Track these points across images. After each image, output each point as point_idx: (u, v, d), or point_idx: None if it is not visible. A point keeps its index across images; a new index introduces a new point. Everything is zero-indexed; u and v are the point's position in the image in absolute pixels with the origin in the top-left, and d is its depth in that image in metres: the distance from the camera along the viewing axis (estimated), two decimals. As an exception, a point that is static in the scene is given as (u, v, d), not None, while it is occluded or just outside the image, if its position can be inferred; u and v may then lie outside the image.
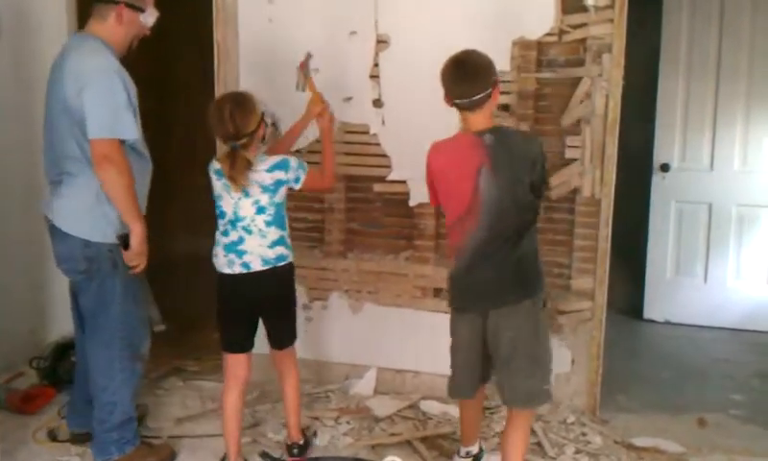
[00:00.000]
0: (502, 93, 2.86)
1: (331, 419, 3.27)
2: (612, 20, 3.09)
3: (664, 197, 4.51)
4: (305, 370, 3.45)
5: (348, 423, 3.25)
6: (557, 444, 3.07)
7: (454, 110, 2.47)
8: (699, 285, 4.53)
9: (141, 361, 2.86)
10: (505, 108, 3.23)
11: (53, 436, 3.08)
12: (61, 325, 3.57)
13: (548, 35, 3.18)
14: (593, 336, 3.30)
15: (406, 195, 3.43)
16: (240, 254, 2.68)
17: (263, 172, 2.64)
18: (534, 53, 3.20)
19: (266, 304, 2.78)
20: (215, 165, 2.70)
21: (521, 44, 3.20)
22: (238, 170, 2.59)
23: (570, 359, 3.33)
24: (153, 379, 3.57)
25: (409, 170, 3.35)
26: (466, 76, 2.40)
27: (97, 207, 2.64)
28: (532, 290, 2.46)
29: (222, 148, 2.82)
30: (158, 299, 3.03)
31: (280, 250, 2.71)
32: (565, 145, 3.23)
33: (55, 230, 2.71)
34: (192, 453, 3.00)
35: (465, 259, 2.46)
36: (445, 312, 2.71)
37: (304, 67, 3.02)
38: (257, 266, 2.68)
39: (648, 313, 4.64)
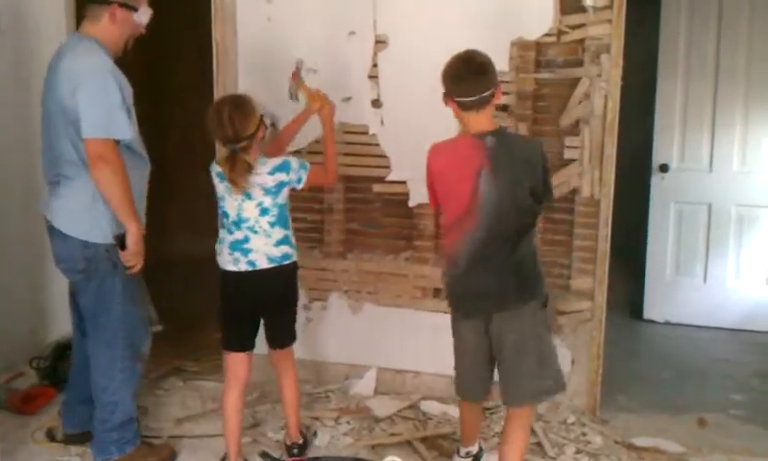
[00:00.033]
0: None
1: (331, 419, 3.27)
2: (610, 21, 3.09)
3: (664, 197, 4.50)
4: (305, 370, 3.46)
5: (348, 423, 3.25)
6: (557, 444, 3.07)
7: (454, 111, 2.47)
8: (699, 285, 4.52)
9: (141, 361, 2.86)
10: (504, 108, 3.22)
11: (51, 436, 3.07)
12: (61, 325, 3.57)
13: (547, 35, 3.18)
14: (593, 336, 3.30)
15: (406, 195, 3.43)
16: (246, 252, 2.68)
17: (265, 174, 2.63)
18: (532, 53, 3.20)
19: (270, 303, 2.78)
20: (216, 168, 2.70)
21: (520, 45, 3.20)
22: (238, 173, 2.58)
23: (570, 359, 3.33)
24: (153, 379, 3.57)
25: (408, 170, 3.35)
26: (473, 73, 2.39)
27: (94, 208, 2.63)
28: (533, 292, 2.45)
29: (221, 150, 2.81)
30: (157, 299, 3.02)
31: (285, 248, 2.72)
32: (564, 145, 3.23)
33: (54, 231, 2.71)
34: (192, 453, 3.01)
35: (462, 261, 2.45)
36: (445, 312, 2.71)
37: (296, 77, 2.98)
38: (263, 264, 2.68)
39: (648, 313, 4.63)
